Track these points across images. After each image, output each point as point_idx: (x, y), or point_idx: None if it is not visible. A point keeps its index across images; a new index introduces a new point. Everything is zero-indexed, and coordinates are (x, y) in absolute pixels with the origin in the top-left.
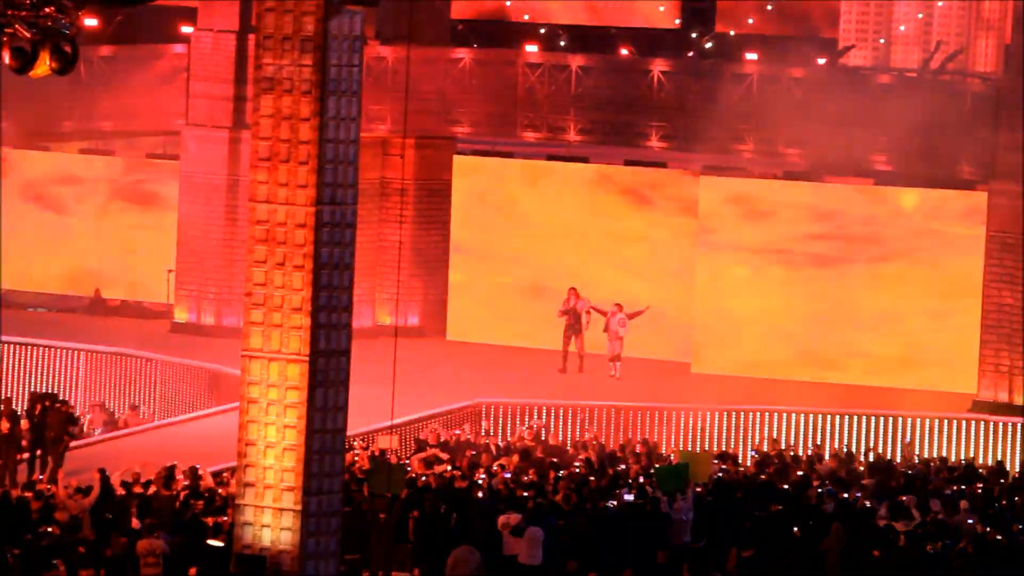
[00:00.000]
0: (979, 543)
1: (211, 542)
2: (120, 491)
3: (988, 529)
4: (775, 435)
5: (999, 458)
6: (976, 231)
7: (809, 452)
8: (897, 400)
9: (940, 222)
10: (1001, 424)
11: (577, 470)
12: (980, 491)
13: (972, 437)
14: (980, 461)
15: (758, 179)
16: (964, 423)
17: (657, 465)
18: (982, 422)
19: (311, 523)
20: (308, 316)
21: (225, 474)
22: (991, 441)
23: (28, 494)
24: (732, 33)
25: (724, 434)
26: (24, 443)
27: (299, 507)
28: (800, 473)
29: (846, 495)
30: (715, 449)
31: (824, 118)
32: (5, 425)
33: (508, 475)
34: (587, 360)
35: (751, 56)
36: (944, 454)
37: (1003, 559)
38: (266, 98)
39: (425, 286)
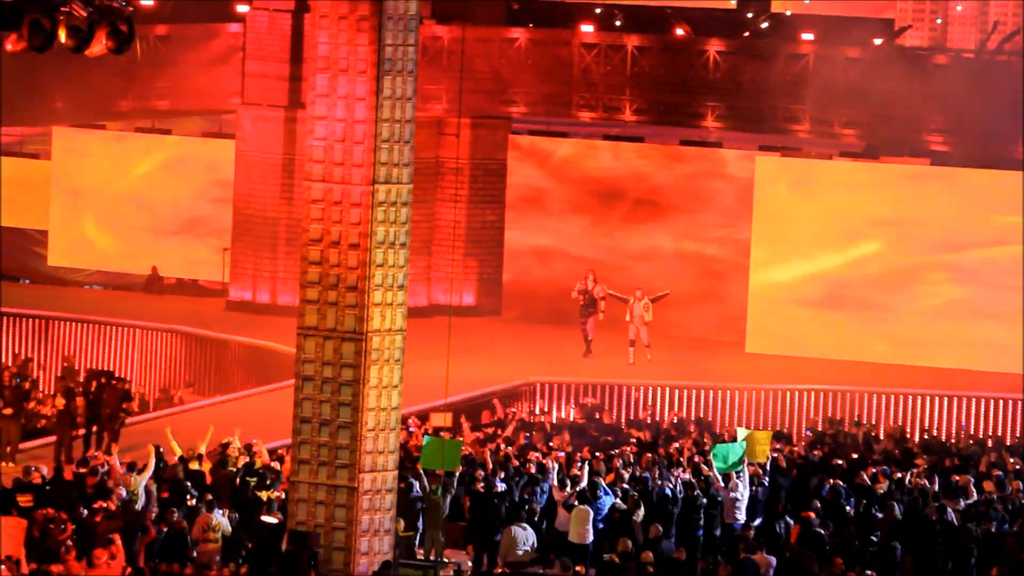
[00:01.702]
0: None
1: (265, 518)
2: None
3: None
4: (829, 414)
5: None
6: None
7: (863, 432)
8: (951, 380)
9: (996, 203)
10: None
11: (631, 449)
12: None
13: None
14: None
15: (814, 159)
16: (1019, 403)
17: (711, 444)
18: None
19: (365, 500)
20: (363, 295)
21: (280, 450)
22: None
23: (83, 470)
24: (788, 13)
25: (778, 413)
26: (80, 419)
27: (354, 484)
28: (855, 456)
29: (900, 474)
30: (769, 429)
31: (880, 98)
32: (61, 401)
33: (562, 454)
34: (603, 344)
35: (807, 36)
36: (999, 434)
37: None
38: (321, 77)
39: (480, 265)
